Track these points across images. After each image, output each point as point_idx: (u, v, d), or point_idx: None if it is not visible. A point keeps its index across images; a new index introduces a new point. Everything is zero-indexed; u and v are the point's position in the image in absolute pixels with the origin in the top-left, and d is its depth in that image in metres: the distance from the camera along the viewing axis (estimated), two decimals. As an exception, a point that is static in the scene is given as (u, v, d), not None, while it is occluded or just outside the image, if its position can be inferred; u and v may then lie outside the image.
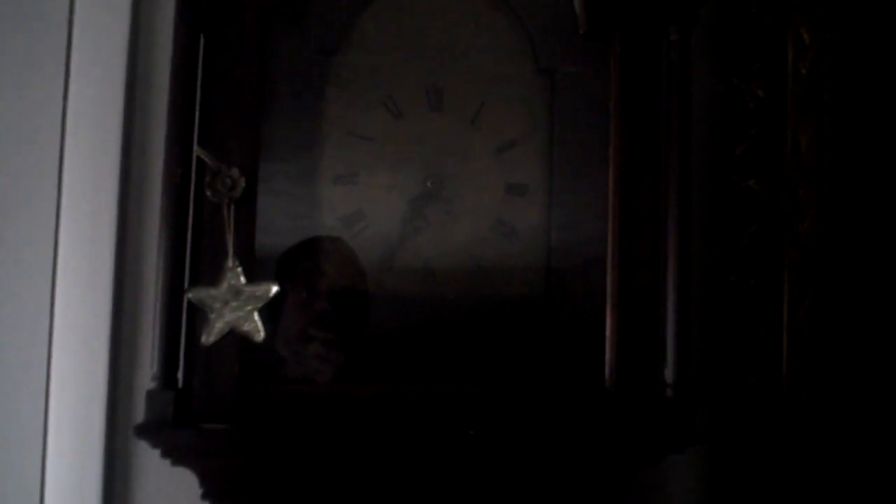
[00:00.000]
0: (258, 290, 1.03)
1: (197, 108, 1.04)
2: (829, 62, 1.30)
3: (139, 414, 1.04)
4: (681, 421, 1.06)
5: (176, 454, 1.01)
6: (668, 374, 1.07)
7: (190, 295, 1.02)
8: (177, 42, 1.02)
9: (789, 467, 1.23)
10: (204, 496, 1.03)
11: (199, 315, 1.03)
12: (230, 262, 1.03)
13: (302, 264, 1.11)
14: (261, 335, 1.03)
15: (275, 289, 1.03)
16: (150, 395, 1.01)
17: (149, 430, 1.00)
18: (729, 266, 1.27)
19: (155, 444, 1.01)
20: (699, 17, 1.12)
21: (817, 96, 1.29)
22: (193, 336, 1.03)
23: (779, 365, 1.25)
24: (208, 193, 1.02)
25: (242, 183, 1.02)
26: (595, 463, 1.06)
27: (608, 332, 1.09)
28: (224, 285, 1.03)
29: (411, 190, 1.12)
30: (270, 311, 1.04)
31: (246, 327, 1.03)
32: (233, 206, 1.03)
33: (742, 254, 1.27)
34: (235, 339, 1.03)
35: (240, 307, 1.03)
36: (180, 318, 1.03)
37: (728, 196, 1.28)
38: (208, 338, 1.02)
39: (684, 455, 1.09)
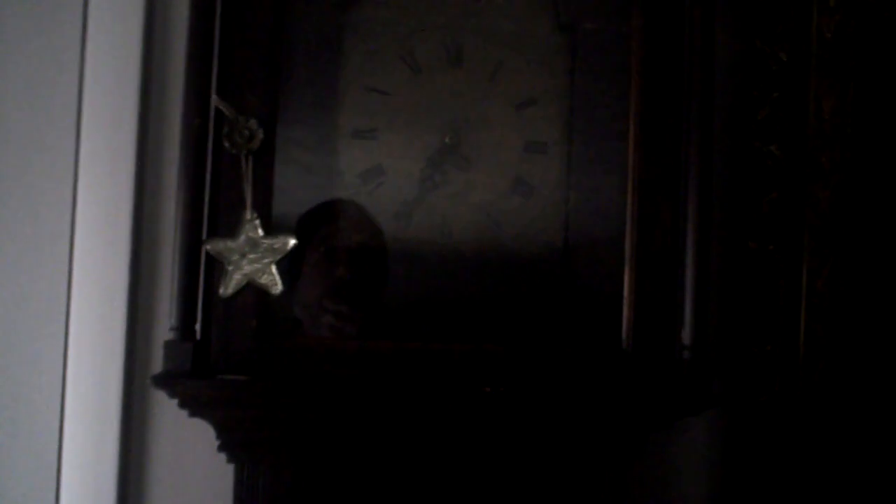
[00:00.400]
0: (276, 242, 1.03)
1: (215, 59, 1.03)
2: (855, 26, 1.28)
3: (157, 366, 1.04)
4: (697, 383, 1.06)
5: (193, 404, 1.02)
6: (686, 336, 1.07)
7: (208, 246, 1.03)
8: (195, -6, 1.02)
9: (803, 436, 1.22)
10: (220, 448, 1.04)
11: (216, 267, 1.03)
12: (248, 214, 1.03)
13: (319, 229, 1.11)
14: (278, 287, 1.03)
15: (292, 241, 1.03)
16: (168, 345, 1.01)
17: (167, 381, 1.01)
18: (748, 232, 1.26)
19: (172, 395, 1.01)
20: (723, -24, 1.11)
21: (842, 61, 1.27)
22: (212, 288, 1.03)
23: (796, 334, 1.25)
24: (226, 145, 1.02)
25: (261, 134, 1.02)
26: (610, 423, 1.06)
27: (625, 292, 1.09)
28: (242, 237, 1.03)
29: (429, 146, 1.12)
30: (289, 273, 1.04)
31: (263, 279, 1.03)
32: (251, 158, 1.02)
33: (762, 220, 1.26)
34: (253, 291, 1.03)
35: (257, 259, 1.03)
36: (198, 269, 1.03)
37: (749, 161, 1.27)
38: (226, 290, 1.03)
39: (699, 418, 1.08)
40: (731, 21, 1.28)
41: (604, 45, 1.13)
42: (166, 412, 1.19)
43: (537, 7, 1.14)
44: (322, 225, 1.12)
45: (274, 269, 1.03)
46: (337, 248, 1.12)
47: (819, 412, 1.23)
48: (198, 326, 1.03)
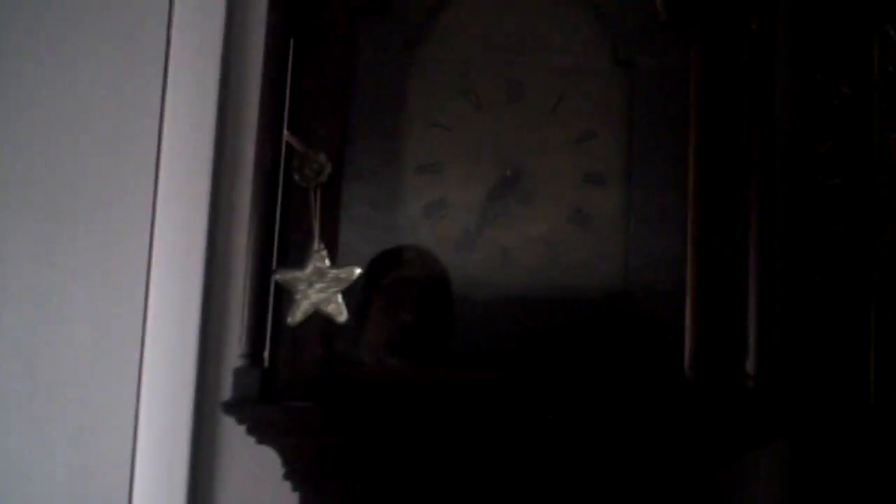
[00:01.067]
0: (342, 272, 1.06)
1: (287, 96, 1.08)
2: (919, 59, 1.28)
3: (226, 393, 1.07)
4: (763, 412, 1.04)
5: (260, 431, 1.04)
6: (750, 366, 1.06)
7: (277, 276, 1.06)
8: (269, 34, 1.07)
9: (874, 472, 1.19)
10: (286, 476, 1.06)
11: (285, 296, 1.07)
12: (316, 245, 1.06)
13: (386, 275, 1.13)
14: (343, 316, 1.06)
15: (357, 271, 1.06)
16: (238, 372, 1.04)
17: (235, 406, 1.04)
18: (815, 265, 1.25)
19: (241, 420, 1.04)
20: (781, 8, 1.11)
21: (906, 94, 1.27)
22: (280, 317, 1.07)
23: (866, 370, 1.22)
24: (296, 178, 1.07)
25: (329, 168, 1.06)
26: (675, 455, 1.05)
27: (688, 322, 1.09)
28: (309, 267, 1.06)
29: (491, 179, 1.14)
30: (355, 317, 1.07)
31: (330, 308, 1.06)
32: (319, 191, 1.06)
33: (828, 253, 1.24)
34: (319, 319, 1.06)
35: (324, 289, 1.06)
36: (268, 299, 1.06)
37: (813, 194, 1.26)
38: (294, 318, 1.06)
39: (767, 451, 1.07)
40: (792, 55, 1.29)
41: (662, 80, 1.14)
42: (235, 440, 1.21)
43: (595, 42, 1.16)
44: (389, 270, 1.14)
45: (340, 298, 1.06)
46: (401, 295, 1.14)
47: (891, 447, 1.20)
48: (266, 354, 1.06)
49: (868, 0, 1.28)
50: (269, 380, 1.05)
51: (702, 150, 1.11)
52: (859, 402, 1.21)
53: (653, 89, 1.14)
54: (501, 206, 1.14)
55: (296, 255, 1.07)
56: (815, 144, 1.27)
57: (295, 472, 1.06)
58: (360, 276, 1.07)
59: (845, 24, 1.27)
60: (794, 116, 1.28)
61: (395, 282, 1.14)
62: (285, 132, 1.06)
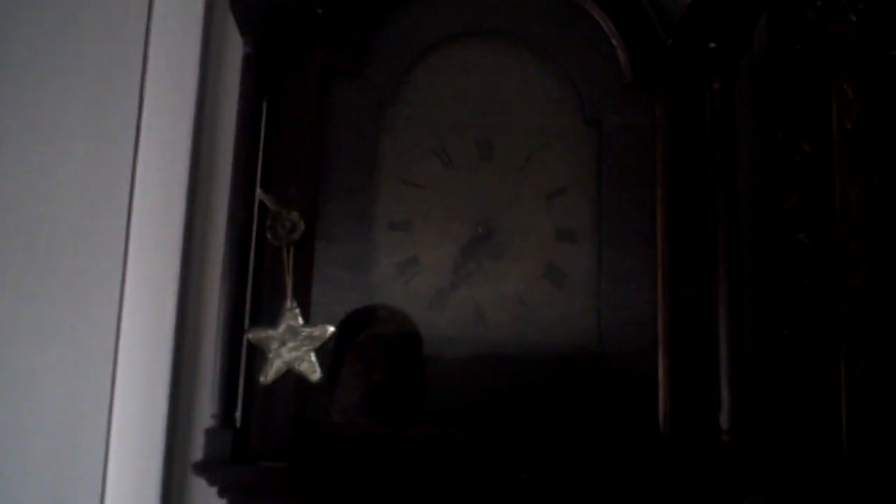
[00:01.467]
0: (315, 330, 1.06)
1: (260, 155, 1.09)
2: (875, 118, 1.32)
3: (197, 454, 1.05)
4: (737, 467, 1.05)
5: (233, 492, 1.03)
6: (724, 420, 1.06)
7: (249, 335, 1.06)
8: (242, 95, 1.09)
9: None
10: (258, 539, 1.04)
11: (257, 355, 1.06)
12: (288, 304, 1.06)
13: (359, 336, 1.13)
14: (317, 374, 1.05)
15: (331, 329, 1.06)
16: (209, 433, 1.03)
17: (206, 468, 1.02)
18: (783, 319, 1.26)
19: (212, 482, 1.02)
20: (741, 74, 1.15)
21: (864, 150, 1.31)
22: (252, 376, 1.06)
23: (838, 422, 1.23)
24: (269, 236, 1.07)
25: (302, 226, 1.07)
26: (651, 510, 1.05)
27: (661, 377, 1.10)
28: (282, 326, 1.06)
29: (463, 236, 1.15)
30: (327, 379, 1.07)
31: (303, 367, 1.05)
32: (292, 249, 1.07)
33: (795, 307, 1.26)
34: (293, 379, 1.05)
35: (297, 347, 1.05)
36: (240, 357, 1.05)
37: (779, 249, 1.28)
38: (266, 377, 1.05)
39: (742, 506, 1.06)
40: (753, 115, 1.33)
41: (629, 138, 1.17)
42: (206, 502, 1.17)
43: (564, 102, 1.19)
44: (360, 330, 1.13)
45: (313, 356, 1.06)
46: (373, 355, 1.14)
47: (867, 499, 1.20)
48: (238, 413, 1.05)
49: (826, 60, 1.32)
50: (241, 440, 1.03)
51: (669, 207, 1.14)
52: (832, 456, 1.21)
53: (620, 147, 1.17)
54: (474, 263, 1.15)
55: (268, 314, 1.07)
56: (779, 200, 1.29)
57: (267, 536, 1.04)
58: (332, 335, 1.07)
59: (804, 84, 1.32)
60: (757, 173, 1.31)
61: (366, 342, 1.14)
62: (258, 191, 1.07)
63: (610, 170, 1.16)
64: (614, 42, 1.17)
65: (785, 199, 1.29)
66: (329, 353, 1.08)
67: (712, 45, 1.13)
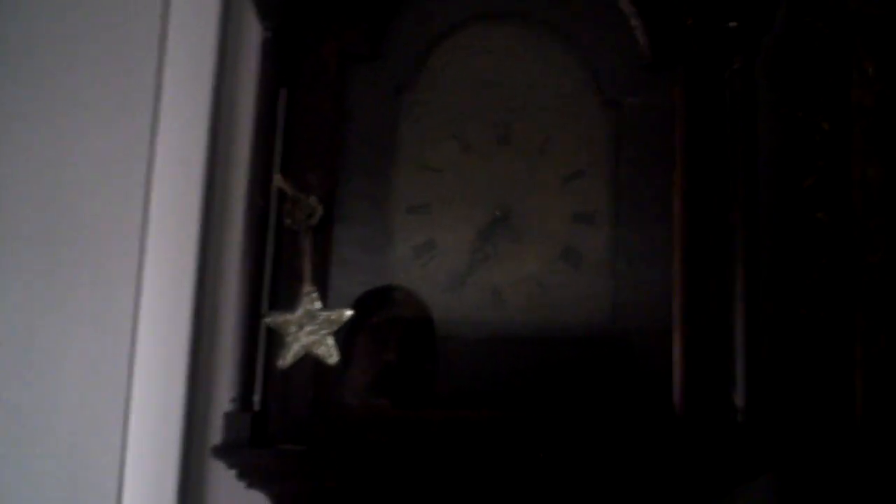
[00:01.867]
0: (332, 314, 1.07)
1: (279, 141, 1.09)
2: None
3: (216, 436, 1.06)
4: (752, 446, 1.05)
5: (252, 475, 1.04)
6: (739, 399, 1.06)
7: (268, 319, 1.06)
8: (261, 80, 1.09)
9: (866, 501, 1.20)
10: (277, 522, 1.05)
11: (275, 339, 1.07)
12: (306, 288, 1.07)
13: (371, 317, 1.13)
14: (334, 358, 1.06)
15: (348, 312, 1.07)
16: (228, 416, 1.04)
17: (226, 451, 1.03)
18: (800, 299, 1.26)
19: (231, 465, 1.03)
20: (762, 49, 1.14)
21: (884, 128, 1.29)
22: (270, 360, 1.07)
23: (852, 403, 1.23)
24: (287, 221, 1.07)
25: (320, 211, 1.07)
26: (666, 490, 1.05)
27: (676, 357, 1.09)
28: (300, 310, 1.06)
29: (480, 220, 1.15)
30: (341, 358, 1.07)
31: (320, 351, 1.06)
32: (310, 234, 1.07)
33: (812, 286, 1.26)
34: (310, 363, 1.06)
35: (315, 331, 1.06)
36: (258, 341, 1.06)
37: (797, 228, 1.27)
38: (284, 361, 1.06)
39: (756, 485, 1.07)
40: (773, 93, 1.31)
41: (648, 119, 1.16)
42: (224, 485, 1.19)
43: (581, 84, 1.18)
44: (372, 311, 1.14)
45: (330, 340, 1.06)
46: (385, 335, 1.15)
47: (878, 481, 1.20)
48: (257, 397, 1.06)
49: (846, 38, 1.30)
50: (259, 424, 1.05)
51: (687, 188, 1.13)
52: (847, 438, 1.22)
53: (639, 129, 1.16)
54: (491, 246, 1.15)
55: (286, 298, 1.07)
56: (798, 179, 1.28)
57: (286, 518, 1.05)
58: (352, 316, 1.07)
59: (824, 61, 1.30)
60: (777, 152, 1.30)
61: (378, 322, 1.14)
62: (276, 176, 1.07)
63: (628, 152, 1.16)
64: (633, 23, 1.15)
65: (804, 177, 1.28)
66: (342, 334, 1.08)
67: (733, 24, 1.12)
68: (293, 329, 1.06)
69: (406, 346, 1.14)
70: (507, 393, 1.10)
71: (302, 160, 1.10)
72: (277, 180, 1.06)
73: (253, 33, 1.11)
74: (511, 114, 1.17)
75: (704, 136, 1.13)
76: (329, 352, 1.06)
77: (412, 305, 1.14)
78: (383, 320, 1.15)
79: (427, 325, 1.13)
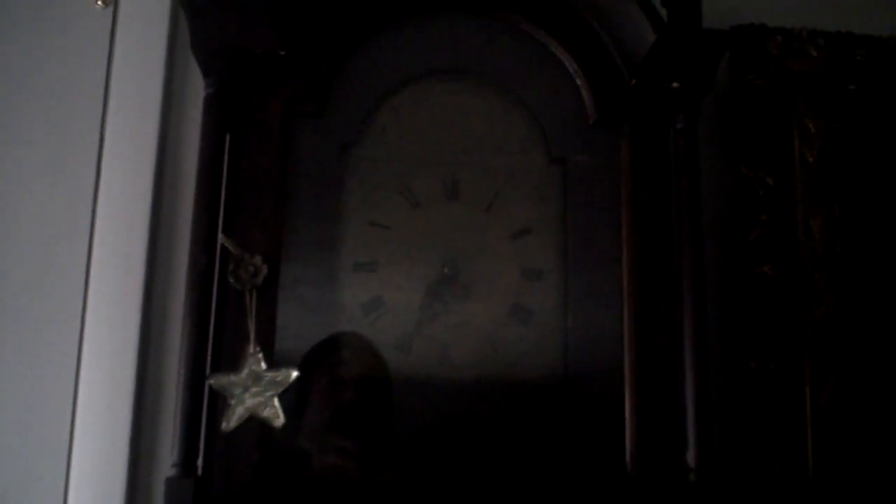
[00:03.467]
0: (278, 375, 1.05)
1: (222, 198, 1.08)
2: (836, 151, 1.34)
3: (159, 502, 1.03)
4: (705, 505, 1.05)
5: (194, 542, 1.01)
6: (690, 458, 1.06)
7: (211, 381, 1.04)
8: (204, 137, 1.07)
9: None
10: (222, 591, 1.02)
11: (219, 402, 1.04)
12: (251, 348, 1.05)
13: (324, 362, 1.12)
14: (280, 420, 1.03)
15: (294, 374, 1.05)
16: (170, 482, 1.00)
17: (167, 519, 1.00)
18: (748, 351, 1.27)
19: (173, 532, 1.00)
20: (705, 108, 1.16)
21: (826, 183, 1.32)
22: (214, 423, 1.04)
23: (804, 453, 1.23)
24: (231, 281, 1.05)
25: (265, 270, 1.06)
26: (619, 551, 1.04)
27: (627, 416, 1.09)
28: (245, 371, 1.04)
29: (429, 276, 1.15)
30: (294, 405, 1.06)
31: (266, 413, 1.03)
32: (255, 293, 1.05)
33: (760, 339, 1.27)
34: (255, 425, 1.04)
35: (260, 392, 1.04)
36: (201, 404, 1.03)
37: (743, 282, 1.29)
38: (228, 423, 1.03)
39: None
40: (717, 149, 1.34)
41: (595, 176, 1.17)
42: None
43: (529, 141, 1.19)
44: (326, 357, 1.13)
45: (276, 401, 1.04)
46: (341, 379, 1.13)
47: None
48: (200, 462, 1.03)
49: (788, 96, 1.34)
50: (202, 489, 1.01)
51: (634, 243, 1.14)
52: (799, 489, 1.22)
53: (586, 186, 1.17)
54: (441, 303, 1.14)
55: (231, 359, 1.05)
56: (743, 233, 1.30)
57: (231, 587, 1.02)
58: (299, 377, 1.05)
59: (767, 118, 1.33)
60: (722, 206, 1.32)
61: (334, 364, 1.13)
62: (220, 235, 1.05)
63: (575, 208, 1.17)
64: (578, 82, 1.18)
65: (749, 231, 1.30)
66: (295, 384, 1.06)
67: (675, 84, 1.14)
68: (238, 391, 1.04)
69: (364, 387, 1.13)
70: (458, 449, 1.09)
71: (246, 218, 1.08)
72: (221, 238, 1.04)
73: (198, 88, 1.10)
74: (459, 170, 1.18)
75: (650, 192, 1.15)
76: (275, 413, 1.04)
77: (363, 347, 1.13)
78: (339, 362, 1.14)
79: (381, 364, 1.12)
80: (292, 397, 1.05)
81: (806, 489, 1.22)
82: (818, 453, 1.23)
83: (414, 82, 1.19)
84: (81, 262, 1.23)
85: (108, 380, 1.20)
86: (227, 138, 1.09)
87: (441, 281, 1.15)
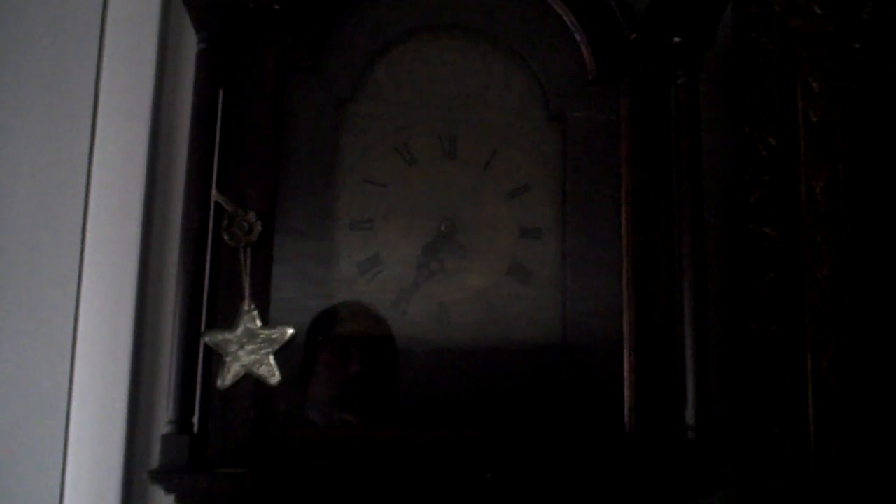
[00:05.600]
0: (274, 332, 1.04)
1: (216, 154, 1.06)
2: (840, 110, 1.32)
3: (157, 461, 1.02)
4: (704, 463, 1.04)
5: (191, 500, 1.00)
6: (689, 417, 1.06)
7: (206, 338, 1.03)
8: (197, 92, 1.06)
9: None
10: (218, 546, 1.02)
11: (215, 359, 1.04)
12: (246, 306, 1.04)
13: (330, 333, 1.12)
14: (276, 378, 1.03)
15: (290, 331, 1.04)
16: (166, 439, 1.00)
17: (163, 475, 0.99)
18: (749, 313, 1.26)
19: (169, 489, 1.00)
20: (707, 68, 1.14)
21: (830, 143, 1.31)
22: (210, 380, 1.03)
23: (805, 415, 1.23)
24: (225, 237, 1.04)
25: (259, 227, 1.05)
26: (616, 509, 1.04)
27: (626, 375, 1.09)
28: (240, 328, 1.04)
29: (426, 235, 1.13)
30: (299, 377, 1.05)
31: (261, 370, 1.03)
32: (249, 250, 1.04)
33: (761, 300, 1.26)
34: (251, 383, 1.03)
35: (255, 350, 1.03)
36: (197, 361, 1.03)
37: (745, 243, 1.28)
38: (224, 381, 1.03)
39: (708, 501, 1.06)
40: (719, 109, 1.32)
41: (594, 133, 1.15)
42: (165, 508, 1.16)
43: (528, 98, 1.17)
44: (331, 327, 1.12)
45: (272, 359, 1.03)
46: (347, 349, 1.12)
47: (835, 494, 1.20)
48: (196, 419, 1.02)
49: (792, 54, 1.32)
50: (198, 446, 1.01)
51: (634, 201, 1.12)
52: (799, 449, 1.22)
53: (585, 143, 1.15)
54: (437, 261, 1.13)
55: (226, 316, 1.04)
56: (745, 194, 1.29)
57: (228, 543, 1.02)
58: (294, 335, 1.05)
59: (770, 77, 1.31)
60: (724, 166, 1.31)
61: (339, 337, 1.12)
62: (213, 191, 1.04)
63: (574, 165, 1.15)
64: (577, 37, 1.16)
65: (751, 192, 1.29)
66: (300, 352, 1.06)
67: (676, 39, 1.12)
68: (233, 348, 1.03)
69: (369, 359, 1.12)
70: (454, 410, 1.08)
71: (240, 174, 1.07)
72: (214, 195, 1.03)
73: (192, 44, 1.08)
74: (457, 127, 1.16)
75: (650, 150, 1.13)
76: (270, 371, 1.03)
77: (370, 318, 1.12)
78: (344, 334, 1.13)
79: (388, 339, 1.11)
80: (295, 367, 1.05)
81: (806, 452, 1.22)
82: (819, 416, 1.23)
83: (411, 37, 1.17)
84: (77, 218, 1.22)
85: (105, 337, 1.20)
86: (221, 94, 1.08)
87: (438, 239, 1.13)
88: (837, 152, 1.31)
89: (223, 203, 1.04)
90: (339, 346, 1.12)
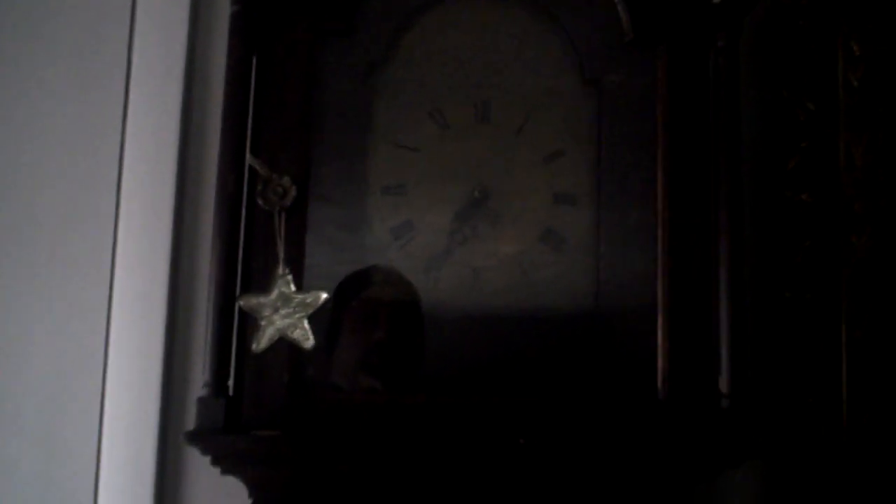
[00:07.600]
0: (308, 297, 1.04)
1: (250, 119, 1.07)
2: (882, 74, 1.29)
3: (192, 423, 1.04)
4: (737, 432, 1.04)
5: (226, 461, 1.02)
6: (723, 385, 1.05)
7: (241, 302, 1.04)
8: (230, 58, 1.06)
9: (850, 492, 1.18)
10: (253, 507, 1.03)
11: (250, 323, 1.04)
12: (281, 270, 1.04)
13: (357, 298, 1.12)
14: (310, 342, 1.04)
15: (324, 296, 1.05)
16: (202, 401, 1.02)
17: (199, 437, 1.01)
18: (784, 281, 1.24)
19: (205, 451, 1.01)
20: (747, 29, 1.12)
21: (871, 108, 1.27)
22: (245, 344, 1.04)
23: (838, 386, 1.22)
24: (260, 202, 1.05)
25: (293, 192, 1.05)
26: (649, 476, 1.04)
27: (660, 341, 1.08)
28: (274, 293, 1.04)
29: (459, 200, 1.13)
30: (326, 343, 1.06)
31: (296, 334, 1.04)
32: (284, 215, 1.05)
33: (797, 269, 1.24)
34: (285, 346, 1.04)
35: (290, 314, 1.04)
36: (232, 325, 1.04)
37: (781, 210, 1.26)
38: (259, 345, 1.04)
39: (740, 471, 1.06)
40: (757, 72, 1.29)
41: (630, 98, 1.13)
42: (201, 471, 1.18)
43: (562, 62, 1.15)
44: (358, 291, 1.12)
45: (306, 323, 1.04)
46: (373, 314, 1.13)
47: (865, 466, 1.19)
48: (231, 382, 1.04)
49: (832, 16, 1.28)
50: (233, 409, 1.03)
51: (670, 168, 1.11)
52: (832, 421, 1.21)
53: (620, 107, 1.14)
54: (470, 227, 1.13)
55: (260, 281, 1.05)
56: (782, 160, 1.27)
57: (262, 503, 1.03)
58: (328, 299, 1.05)
59: (810, 40, 1.28)
60: (761, 132, 1.29)
61: (365, 302, 1.13)
62: (248, 156, 1.04)
63: (610, 131, 1.13)
64: (614, -1, 1.14)
65: (788, 158, 1.27)
66: (327, 316, 1.06)
67: (716, 0, 1.10)
68: (268, 312, 1.04)
69: (395, 325, 1.12)
70: (487, 376, 1.08)
71: (274, 139, 1.07)
72: (249, 159, 1.03)
73: (225, 6, 1.08)
74: (490, 91, 1.15)
75: (687, 115, 1.11)
76: (305, 335, 1.04)
77: (397, 284, 1.12)
78: (370, 299, 1.13)
79: (415, 305, 1.12)
80: (323, 331, 1.05)
81: (839, 422, 1.21)
82: (852, 386, 1.21)
83: (444, 1, 1.15)
84: (112, 184, 1.23)
85: (140, 301, 1.22)
86: (254, 58, 1.08)
87: (471, 204, 1.13)
88: (878, 118, 1.28)
89: (257, 167, 1.04)
90: (365, 311, 1.13)
